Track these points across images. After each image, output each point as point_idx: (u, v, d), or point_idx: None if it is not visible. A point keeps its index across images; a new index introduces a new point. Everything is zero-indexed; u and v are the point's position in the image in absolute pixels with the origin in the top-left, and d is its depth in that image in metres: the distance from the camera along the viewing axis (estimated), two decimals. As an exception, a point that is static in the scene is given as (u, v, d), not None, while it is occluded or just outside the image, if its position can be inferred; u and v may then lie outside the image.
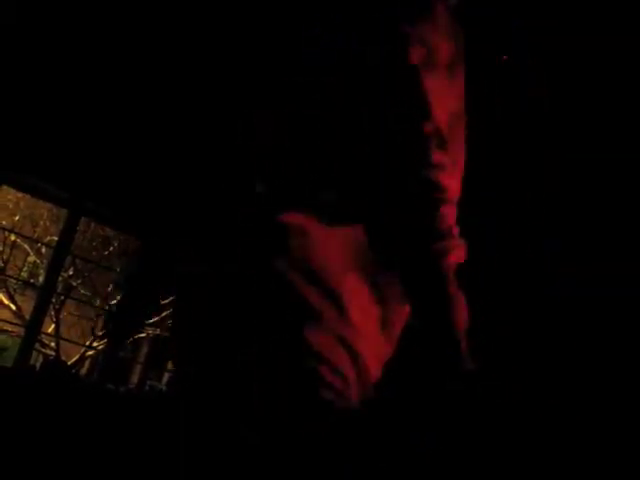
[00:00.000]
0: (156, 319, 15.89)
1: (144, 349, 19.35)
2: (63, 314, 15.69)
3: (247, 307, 1.25)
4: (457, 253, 1.09)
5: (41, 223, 15.19)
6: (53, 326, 14.98)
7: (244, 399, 1.21)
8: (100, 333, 15.46)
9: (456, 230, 1.11)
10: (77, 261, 14.58)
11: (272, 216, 1.26)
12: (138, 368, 18.98)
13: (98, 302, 15.68)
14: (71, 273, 14.93)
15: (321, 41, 1.42)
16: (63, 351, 14.67)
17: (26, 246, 15.86)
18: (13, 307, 15.04)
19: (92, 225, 14.18)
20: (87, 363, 16.95)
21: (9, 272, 15.42)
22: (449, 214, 1.10)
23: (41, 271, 16.18)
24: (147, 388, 15.26)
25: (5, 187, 4.72)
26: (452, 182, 1.12)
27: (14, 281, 15.64)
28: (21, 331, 11.92)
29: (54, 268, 4.74)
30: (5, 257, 15.54)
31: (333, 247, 1.22)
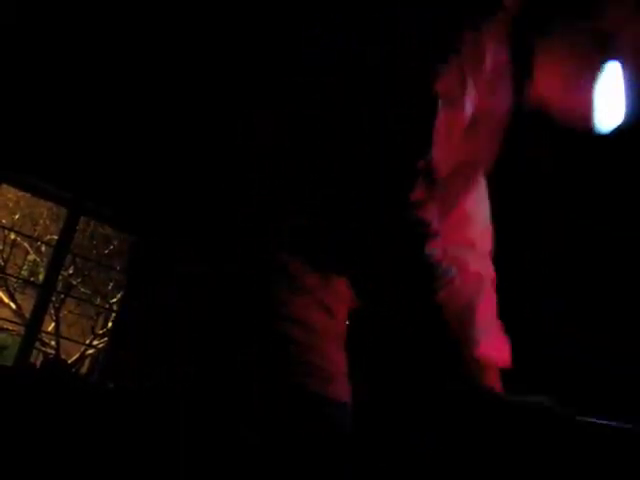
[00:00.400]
0: (156, 318, 15.88)
1: (144, 348, 19.34)
2: (63, 313, 15.69)
3: (247, 307, 1.25)
4: (447, 288, 1.09)
5: (41, 222, 15.19)
6: (53, 325, 14.99)
7: (244, 399, 1.21)
8: (100, 332, 15.47)
9: (446, 264, 1.10)
10: (77, 260, 14.59)
11: (272, 216, 1.26)
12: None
13: (98, 301, 15.68)
14: (71, 272, 14.94)
15: (321, 41, 1.42)
16: (63, 350, 14.68)
17: (26, 245, 15.86)
18: (13, 306, 15.05)
19: (92, 224, 14.18)
20: (87, 362, 16.97)
21: (9, 271, 15.43)
22: (436, 247, 1.09)
23: (41, 270, 16.18)
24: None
25: (5, 186, 4.73)
26: (434, 218, 1.10)
27: (14, 280, 15.65)
28: (21, 330, 11.92)
29: (54, 267, 4.74)
30: (5, 256, 15.55)
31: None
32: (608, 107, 1.24)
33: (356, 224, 1.24)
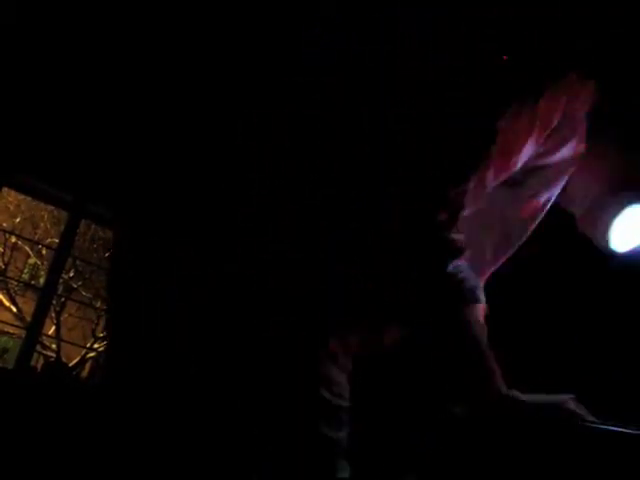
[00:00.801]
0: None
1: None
2: (64, 316, 15.69)
3: (247, 307, 1.25)
4: (472, 307, 1.07)
5: (42, 225, 15.20)
6: (54, 328, 14.99)
7: (246, 399, 1.20)
8: (101, 335, 15.46)
9: (472, 282, 1.09)
10: (78, 263, 14.59)
11: (272, 215, 1.26)
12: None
13: (99, 304, 15.67)
14: (72, 275, 14.94)
15: (321, 41, 1.41)
16: (64, 353, 14.67)
17: (27, 248, 15.87)
18: (14, 309, 15.04)
19: (93, 227, 14.19)
20: (88, 365, 16.95)
21: (10, 274, 15.43)
22: (462, 263, 1.08)
23: (42, 273, 16.18)
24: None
25: (6, 189, 4.73)
26: (461, 236, 1.10)
27: (15, 283, 15.65)
28: (22, 333, 11.92)
29: (55, 270, 4.73)
30: (6, 259, 15.55)
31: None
32: (627, 230, 1.26)
33: (356, 224, 1.24)
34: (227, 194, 1.33)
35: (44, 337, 14.31)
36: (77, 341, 14.46)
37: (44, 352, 15.00)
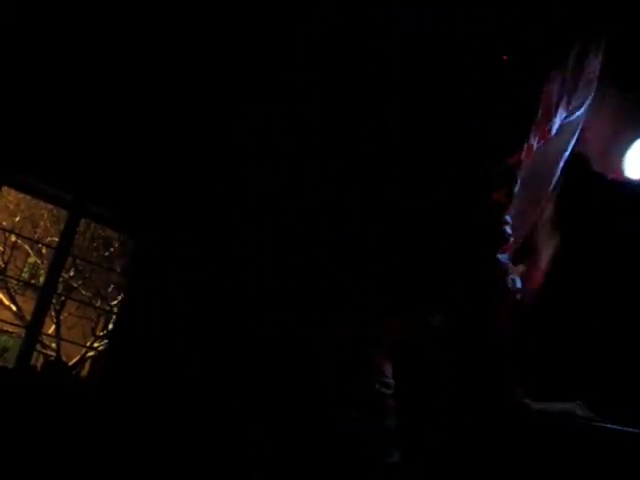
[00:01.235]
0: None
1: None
2: (64, 315, 15.68)
3: (247, 307, 1.25)
4: (512, 298, 1.09)
5: (41, 224, 15.18)
6: (54, 327, 14.98)
7: (246, 399, 1.21)
8: (101, 334, 15.45)
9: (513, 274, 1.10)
10: (78, 262, 14.57)
11: (272, 215, 1.26)
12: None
13: (99, 303, 15.67)
14: (72, 274, 14.93)
15: (321, 41, 1.42)
16: (64, 352, 14.66)
17: (27, 247, 15.86)
18: (14, 308, 15.04)
19: (92, 226, 14.17)
20: (88, 364, 16.95)
21: (10, 273, 15.42)
22: (508, 252, 1.09)
23: (42, 272, 16.17)
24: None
25: (5, 188, 4.72)
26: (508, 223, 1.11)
27: (15, 282, 15.64)
28: (22, 332, 11.91)
29: (55, 269, 4.72)
30: (6, 258, 15.54)
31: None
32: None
33: (356, 224, 1.24)
34: (227, 194, 1.33)
35: (44, 336, 14.31)
36: (77, 340, 14.45)
37: (44, 351, 14.99)
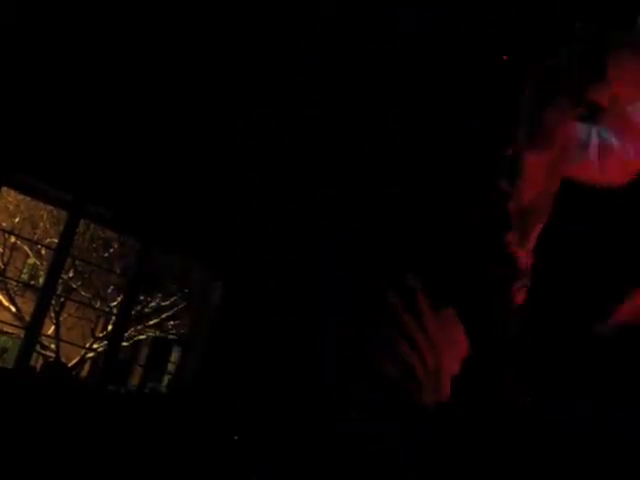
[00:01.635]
0: (156, 321, 15.88)
1: (144, 351, 19.35)
2: (63, 316, 15.67)
3: (248, 307, 1.26)
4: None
5: (41, 225, 15.17)
6: (53, 328, 14.97)
7: (245, 399, 1.21)
8: (100, 335, 15.44)
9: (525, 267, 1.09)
10: (77, 263, 14.57)
11: (273, 215, 1.27)
12: (138, 370, 18.96)
13: (98, 304, 15.66)
14: (71, 275, 14.92)
15: (321, 41, 1.42)
16: (63, 353, 14.65)
17: (26, 248, 15.85)
18: (13, 309, 15.03)
19: (92, 227, 14.17)
20: (87, 365, 16.93)
21: (9, 274, 15.41)
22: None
23: (41, 273, 16.15)
24: (147, 390, 15.24)
25: (5, 189, 4.72)
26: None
27: (14, 283, 15.63)
28: (21, 333, 11.91)
29: (54, 270, 4.73)
30: (5, 259, 15.53)
31: None
32: None
33: (356, 224, 1.24)
34: (226, 192, 1.33)
35: (43, 337, 14.29)
36: (76, 341, 14.45)
37: (43, 352, 14.98)
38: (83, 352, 15.26)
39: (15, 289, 15.86)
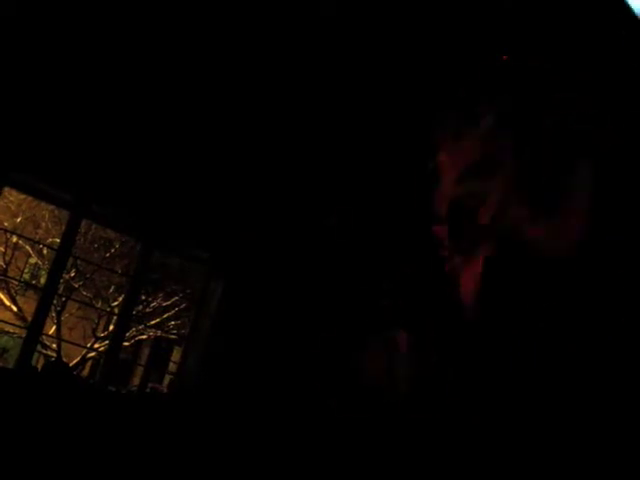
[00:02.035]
0: (157, 321, 15.90)
1: (145, 351, 19.36)
2: (65, 316, 15.70)
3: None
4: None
5: (43, 225, 15.20)
6: (54, 327, 14.99)
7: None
8: (102, 335, 15.47)
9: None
10: (79, 263, 14.59)
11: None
12: (140, 370, 18.97)
13: (100, 304, 15.69)
14: (73, 275, 14.95)
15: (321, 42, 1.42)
16: (64, 352, 14.67)
17: (28, 247, 15.87)
18: (15, 308, 15.05)
19: (94, 227, 14.19)
20: (88, 365, 16.96)
21: (11, 273, 15.44)
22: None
23: (43, 272, 16.18)
24: (148, 390, 15.26)
25: (7, 189, 4.73)
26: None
27: (16, 282, 15.66)
28: (23, 332, 11.92)
29: (56, 269, 4.74)
30: (7, 258, 15.56)
31: None
32: None
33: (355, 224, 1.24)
34: (228, 193, 1.34)
35: (45, 337, 14.32)
36: (78, 341, 14.46)
37: (45, 352, 15.01)
38: (84, 352, 15.28)
39: (17, 289, 15.89)
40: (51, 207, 13.55)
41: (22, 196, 13.45)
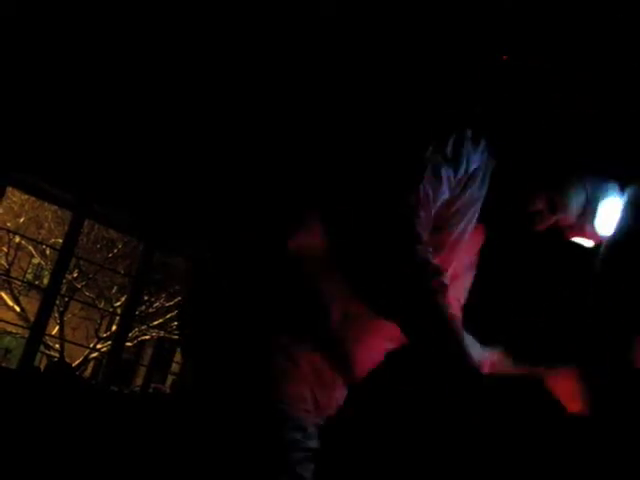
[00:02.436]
0: (160, 321, 15.91)
1: (148, 351, 19.38)
2: (67, 316, 15.71)
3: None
4: (442, 289, 1.09)
5: (46, 225, 15.21)
6: (57, 328, 15.01)
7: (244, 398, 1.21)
8: (104, 335, 15.48)
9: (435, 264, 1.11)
10: (82, 263, 14.60)
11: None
12: (142, 370, 18.99)
13: (102, 304, 15.70)
14: (75, 275, 14.96)
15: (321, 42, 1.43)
16: (67, 353, 14.69)
17: (31, 248, 15.89)
18: (18, 309, 15.07)
19: (96, 227, 14.20)
20: (91, 365, 16.97)
21: (14, 274, 15.46)
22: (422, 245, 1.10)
23: (46, 273, 16.20)
24: (151, 390, 15.27)
25: (10, 189, 4.73)
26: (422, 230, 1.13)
27: (19, 283, 15.68)
28: (25, 333, 11.94)
29: (59, 270, 4.75)
30: (10, 259, 15.58)
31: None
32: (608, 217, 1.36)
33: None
34: (230, 194, 1.34)
35: (47, 337, 14.33)
36: (80, 341, 14.48)
37: (47, 352, 15.03)
38: (87, 352, 15.29)
39: (20, 289, 15.91)
40: (54, 207, 13.56)
41: (25, 197, 13.47)
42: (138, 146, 4.57)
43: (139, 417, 4.32)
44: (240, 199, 3.74)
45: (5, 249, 15.51)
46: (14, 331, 16.10)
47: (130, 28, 3.59)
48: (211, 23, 3.18)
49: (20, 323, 13.97)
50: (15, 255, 15.77)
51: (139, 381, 17.97)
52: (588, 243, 1.40)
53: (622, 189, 1.39)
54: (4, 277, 15.14)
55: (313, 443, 1.17)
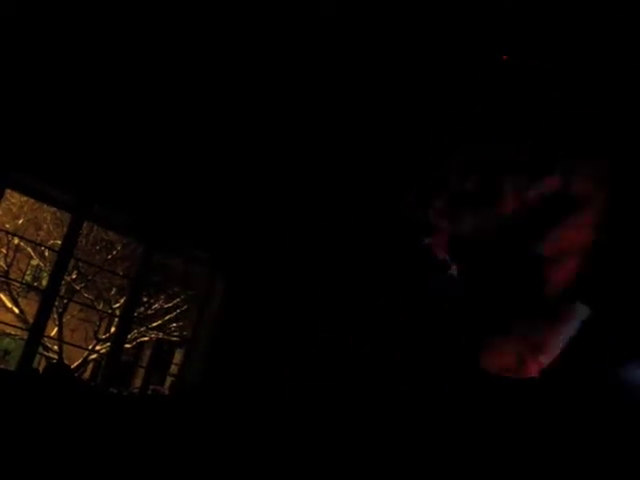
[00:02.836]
0: (159, 323, 15.91)
1: (147, 353, 19.38)
2: (66, 317, 15.70)
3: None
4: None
5: (45, 227, 15.20)
6: (56, 329, 15.00)
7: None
8: (103, 337, 15.47)
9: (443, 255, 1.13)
10: (80, 265, 14.60)
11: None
12: (141, 372, 18.99)
13: (101, 306, 15.69)
14: (74, 277, 14.95)
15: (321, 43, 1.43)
16: (66, 354, 14.67)
17: (30, 249, 15.88)
18: (16, 310, 15.06)
19: (95, 229, 14.20)
20: (90, 367, 16.96)
21: (13, 275, 15.45)
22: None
23: (44, 274, 16.19)
24: (150, 392, 15.27)
25: (9, 191, 4.73)
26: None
27: (18, 284, 15.67)
28: (24, 334, 11.92)
29: (57, 271, 4.74)
30: (9, 260, 15.57)
31: None
32: None
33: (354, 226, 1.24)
34: (229, 195, 1.34)
35: (46, 339, 14.32)
36: (79, 343, 14.46)
37: (46, 354, 15.01)
38: (86, 354, 15.28)
39: (18, 290, 15.89)
40: (53, 209, 13.56)
41: (24, 198, 13.46)
42: (137, 148, 4.57)
43: (138, 419, 4.31)
44: (240, 199, 3.74)
45: (4, 251, 15.50)
46: (13, 332, 16.08)
47: (130, 28, 3.59)
48: (211, 23, 3.18)
49: (19, 324, 13.96)
50: (14, 257, 15.76)
51: (138, 382, 17.96)
52: None
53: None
54: (3, 279, 15.13)
55: None
